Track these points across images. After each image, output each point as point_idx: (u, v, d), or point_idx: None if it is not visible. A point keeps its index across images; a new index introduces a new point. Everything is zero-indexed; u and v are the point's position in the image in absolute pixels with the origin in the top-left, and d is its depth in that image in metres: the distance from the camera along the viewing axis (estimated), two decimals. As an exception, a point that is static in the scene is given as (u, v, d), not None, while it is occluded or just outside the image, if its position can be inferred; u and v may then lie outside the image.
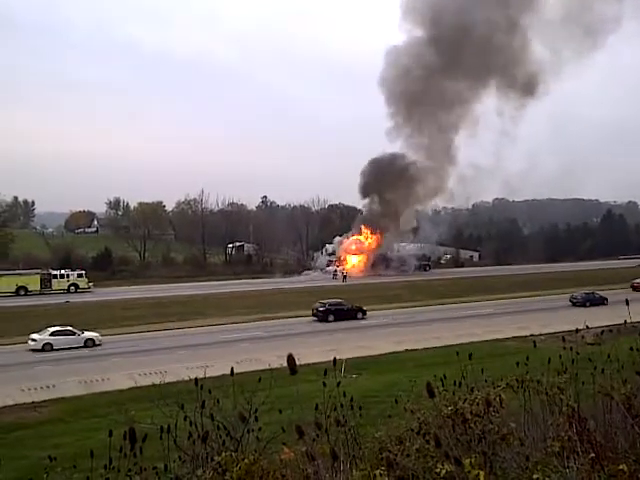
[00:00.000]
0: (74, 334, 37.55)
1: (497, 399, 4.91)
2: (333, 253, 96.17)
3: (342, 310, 46.83)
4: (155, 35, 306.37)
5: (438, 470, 3.66)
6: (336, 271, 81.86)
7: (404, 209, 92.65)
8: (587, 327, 8.26)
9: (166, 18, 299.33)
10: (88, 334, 38.11)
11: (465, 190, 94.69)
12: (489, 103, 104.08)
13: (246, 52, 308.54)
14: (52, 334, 36.81)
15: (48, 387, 27.75)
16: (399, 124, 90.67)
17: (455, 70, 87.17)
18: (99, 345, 37.63)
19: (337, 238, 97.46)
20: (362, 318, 46.92)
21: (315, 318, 46.61)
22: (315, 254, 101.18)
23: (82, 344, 37.04)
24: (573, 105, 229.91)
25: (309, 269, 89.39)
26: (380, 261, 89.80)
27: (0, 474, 5.48)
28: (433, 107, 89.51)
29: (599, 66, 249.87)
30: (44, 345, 36.05)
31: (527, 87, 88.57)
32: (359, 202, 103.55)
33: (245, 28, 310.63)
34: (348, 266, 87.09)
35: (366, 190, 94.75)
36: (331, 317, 45.93)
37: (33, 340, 36.56)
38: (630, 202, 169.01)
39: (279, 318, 46.57)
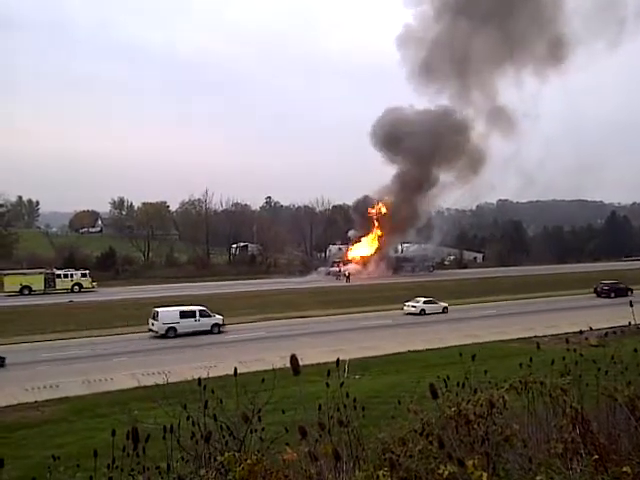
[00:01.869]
0: (437, 303, 50.43)
1: (500, 400, 4.90)
2: (340, 250, 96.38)
3: (619, 289, 57.44)
4: (160, 35, 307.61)
5: (441, 471, 3.65)
6: (340, 271, 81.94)
7: (438, 178, 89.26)
8: (591, 329, 8.26)
9: (170, 19, 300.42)
10: (442, 304, 50.78)
11: (485, 182, 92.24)
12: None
13: (248, 53, 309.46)
14: (424, 302, 49.70)
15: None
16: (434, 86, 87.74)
17: (478, 23, 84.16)
18: (446, 312, 49.95)
19: (351, 232, 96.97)
20: (631, 295, 53.14)
21: (596, 295, 58.45)
22: (328, 253, 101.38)
23: (440, 311, 49.79)
24: (581, 106, 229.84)
25: (323, 267, 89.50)
26: (390, 262, 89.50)
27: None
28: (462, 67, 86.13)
29: (607, 66, 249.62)
30: (421, 310, 48.72)
31: (553, 51, 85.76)
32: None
33: (246, 29, 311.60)
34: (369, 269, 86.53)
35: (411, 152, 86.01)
36: (612, 294, 56.55)
37: (413, 307, 49.29)
38: (634, 203, 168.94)
39: (281, 319, 46.58)
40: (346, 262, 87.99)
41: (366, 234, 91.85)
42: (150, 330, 40.36)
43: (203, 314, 41.34)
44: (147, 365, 30.16)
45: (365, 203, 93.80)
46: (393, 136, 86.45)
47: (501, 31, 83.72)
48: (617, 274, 69.37)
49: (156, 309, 41.04)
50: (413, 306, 49.37)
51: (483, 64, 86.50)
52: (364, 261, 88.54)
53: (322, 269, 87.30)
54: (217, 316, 41.98)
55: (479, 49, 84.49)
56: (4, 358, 32.54)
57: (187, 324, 40.30)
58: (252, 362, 26.73)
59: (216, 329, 41.19)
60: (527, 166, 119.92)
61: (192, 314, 40.94)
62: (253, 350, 34.15)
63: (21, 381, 28.61)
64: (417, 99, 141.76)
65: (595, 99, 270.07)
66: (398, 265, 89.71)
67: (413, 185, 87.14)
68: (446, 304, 50.81)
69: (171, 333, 39.63)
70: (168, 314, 40.43)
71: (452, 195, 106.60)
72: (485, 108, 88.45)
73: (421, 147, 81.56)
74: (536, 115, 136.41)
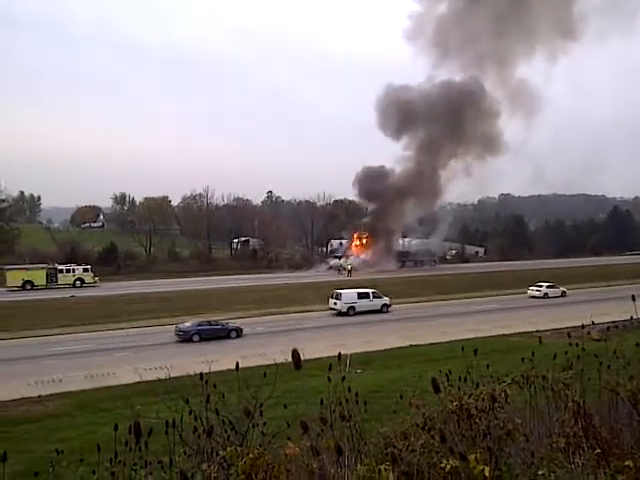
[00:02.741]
0: (557, 288, 55.23)
1: (502, 394, 4.90)
2: (341, 245, 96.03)
3: None
4: (159, 32, 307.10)
5: (443, 465, 3.65)
6: (341, 265, 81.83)
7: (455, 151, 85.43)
8: (593, 323, 8.24)
9: (169, 16, 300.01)
10: (562, 288, 55.47)
11: (494, 171, 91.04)
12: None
13: (249, 48, 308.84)
14: (547, 287, 54.66)
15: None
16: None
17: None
18: (565, 296, 54.53)
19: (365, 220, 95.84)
20: None
21: None
22: (330, 247, 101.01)
23: (559, 295, 54.63)
24: (584, 101, 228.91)
25: (333, 260, 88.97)
26: (397, 256, 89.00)
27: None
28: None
29: (610, 61, 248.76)
30: (544, 294, 53.65)
31: (566, 26, 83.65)
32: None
33: (246, 25, 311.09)
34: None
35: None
36: None
37: (537, 290, 54.41)
38: (637, 198, 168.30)
39: (284, 313, 46.70)
40: (349, 255, 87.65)
41: (377, 215, 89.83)
42: (331, 308, 47.19)
43: (375, 295, 48.17)
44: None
45: (373, 174, 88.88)
46: (407, 111, 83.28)
47: (515, 6, 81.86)
48: (622, 268, 69.30)
49: (338, 291, 47.96)
50: (537, 290, 54.92)
51: (499, 41, 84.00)
52: (369, 254, 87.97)
53: (333, 262, 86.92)
54: (385, 298, 48.30)
55: (494, 26, 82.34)
56: (242, 329, 38.37)
57: (363, 304, 47.05)
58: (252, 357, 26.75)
59: (385, 308, 47.73)
60: (533, 158, 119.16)
61: (367, 295, 47.94)
62: (256, 345, 34.30)
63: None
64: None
65: (598, 94, 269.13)
66: (401, 259, 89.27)
67: (430, 162, 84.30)
68: (564, 288, 55.64)
69: (351, 311, 46.30)
70: (349, 295, 47.38)
71: (461, 184, 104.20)
72: (504, 87, 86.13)
73: (439, 119, 78.89)
74: (547, 101, 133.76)
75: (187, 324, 37.74)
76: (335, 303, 47.11)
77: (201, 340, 36.35)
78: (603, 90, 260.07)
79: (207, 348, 33.55)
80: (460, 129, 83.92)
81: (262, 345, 33.28)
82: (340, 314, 45.89)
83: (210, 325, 37.84)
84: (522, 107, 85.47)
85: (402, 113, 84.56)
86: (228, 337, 37.10)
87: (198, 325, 37.43)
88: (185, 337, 36.58)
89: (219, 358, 26.71)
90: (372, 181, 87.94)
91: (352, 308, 46.47)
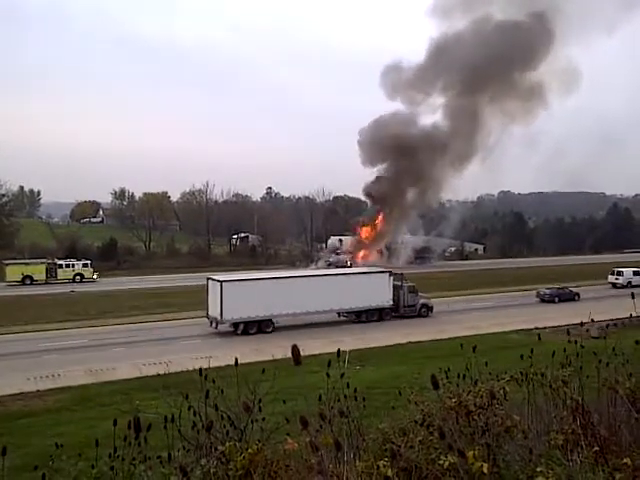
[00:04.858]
0: None
1: (501, 392, 4.90)
2: (341, 242, 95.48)
3: None
4: (159, 25, 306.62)
5: (441, 462, 3.66)
6: (344, 261, 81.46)
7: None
8: (592, 320, 8.24)
9: (168, 9, 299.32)
10: None
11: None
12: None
13: (249, 45, 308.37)
14: (634, 274, 59.93)
15: None
16: None
17: None
18: None
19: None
20: None
21: None
22: (330, 243, 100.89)
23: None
24: (587, 95, 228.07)
25: (335, 256, 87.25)
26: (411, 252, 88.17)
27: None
28: None
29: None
30: (627, 282, 58.26)
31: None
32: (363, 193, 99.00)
33: (246, 18, 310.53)
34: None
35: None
36: None
37: (617, 278, 60.21)
38: (637, 195, 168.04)
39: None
40: (350, 252, 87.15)
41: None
42: (611, 283, 59.72)
43: (637, 273, 60.06)
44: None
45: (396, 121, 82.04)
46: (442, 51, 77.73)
47: None
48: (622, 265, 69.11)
49: (618, 269, 60.86)
50: (617, 278, 62.12)
51: None
52: (370, 250, 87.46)
53: (333, 258, 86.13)
54: None
55: None
56: (579, 294, 50.11)
57: (636, 279, 58.35)
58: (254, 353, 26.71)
59: None
60: (539, 151, 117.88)
61: (639, 273, 59.95)
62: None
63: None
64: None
65: (602, 88, 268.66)
66: (415, 255, 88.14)
67: (467, 115, 78.71)
68: None
69: (629, 285, 56.51)
70: (627, 272, 59.92)
71: (472, 175, 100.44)
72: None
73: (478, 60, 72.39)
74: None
75: (547, 290, 50.30)
76: (617, 278, 59.71)
77: (559, 301, 48.20)
78: (606, 84, 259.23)
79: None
80: (506, 78, 78.34)
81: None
82: (618, 287, 57.56)
83: (563, 291, 50.14)
84: (561, 80, 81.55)
85: (434, 59, 79.15)
86: (574, 300, 48.76)
87: (557, 290, 50.19)
88: (548, 299, 49.03)
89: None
90: (393, 131, 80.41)
91: (630, 282, 57.83)
